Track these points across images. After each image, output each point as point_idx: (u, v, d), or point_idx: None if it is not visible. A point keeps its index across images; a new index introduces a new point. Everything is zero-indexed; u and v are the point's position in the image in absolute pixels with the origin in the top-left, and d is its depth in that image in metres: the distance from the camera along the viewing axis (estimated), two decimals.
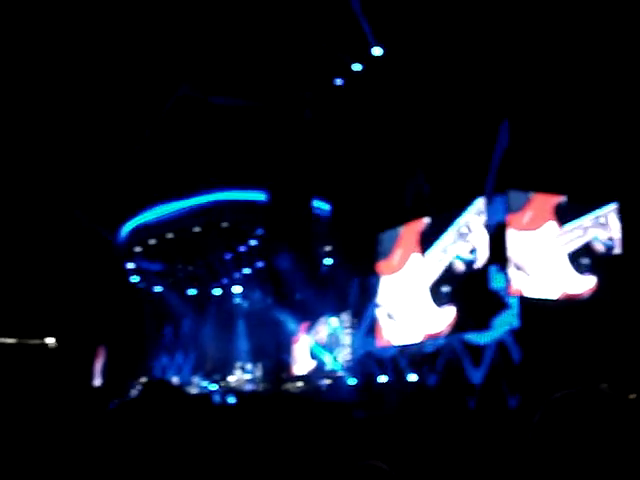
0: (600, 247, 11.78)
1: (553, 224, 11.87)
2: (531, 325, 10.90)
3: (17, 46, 13.03)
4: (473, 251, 12.20)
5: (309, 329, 17.18)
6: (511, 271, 11.55)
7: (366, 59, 13.99)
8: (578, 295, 11.46)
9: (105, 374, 18.57)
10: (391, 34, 13.33)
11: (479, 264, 12.05)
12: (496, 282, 11.72)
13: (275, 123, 15.87)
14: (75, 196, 16.86)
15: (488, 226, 12.01)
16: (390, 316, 13.80)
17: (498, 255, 11.70)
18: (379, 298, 14.14)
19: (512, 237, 11.73)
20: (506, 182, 12.00)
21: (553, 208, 11.88)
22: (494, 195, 12.16)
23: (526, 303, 11.24)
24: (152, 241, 19.32)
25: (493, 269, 11.84)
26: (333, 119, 15.19)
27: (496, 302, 11.58)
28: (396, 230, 14.09)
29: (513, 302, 11.42)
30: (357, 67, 14.09)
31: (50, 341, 17.96)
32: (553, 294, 11.62)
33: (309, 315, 16.68)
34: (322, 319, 16.48)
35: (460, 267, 12.38)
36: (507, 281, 11.53)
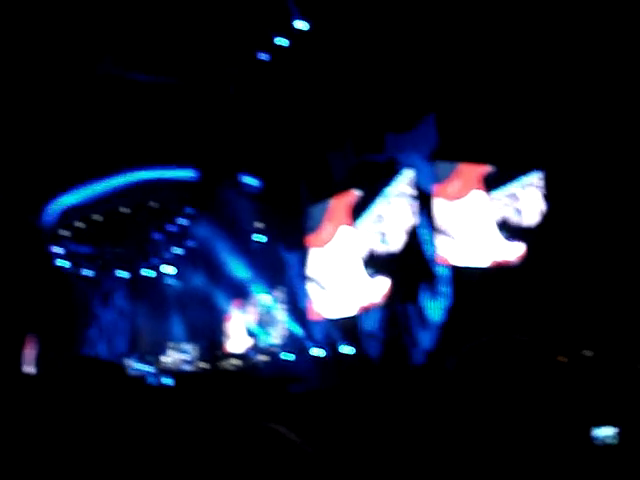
0: (527, 214, 12.07)
1: (480, 193, 12.10)
2: (461, 292, 11.14)
3: None
4: (404, 221, 12.36)
5: (242, 306, 17.17)
6: (439, 240, 11.76)
7: (291, 33, 13.92)
8: (507, 262, 11.73)
9: (38, 362, 18.20)
10: (316, 7, 13.29)
11: (409, 235, 12.22)
12: (428, 252, 11.92)
13: (199, 99, 15.66)
14: None
15: (417, 196, 12.19)
16: (322, 289, 13.88)
17: (429, 225, 11.90)
18: (310, 272, 14.21)
19: (439, 207, 11.92)
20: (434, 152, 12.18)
21: (480, 177, 12.10)
22: (422, 165, 12.32)
23: (456, 271, 11.47)
24: (79, 223, 18.96)
25: (424, 239, 12.04)
26: (259, 93, 15.09)
27: (428, 272, 11.78)
28: (325, 203, 14.14)
29: (444, 271, 11.64)
30: (282, 41, 14.01)
31: None
32: (482, 262, 11.88)
33: (242, 293, 16.66)
34: (255, 296, 16.48)
35: (391, 238, 12.53)
36: (436, 251, 11.75)
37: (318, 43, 13.45)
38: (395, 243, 12.42)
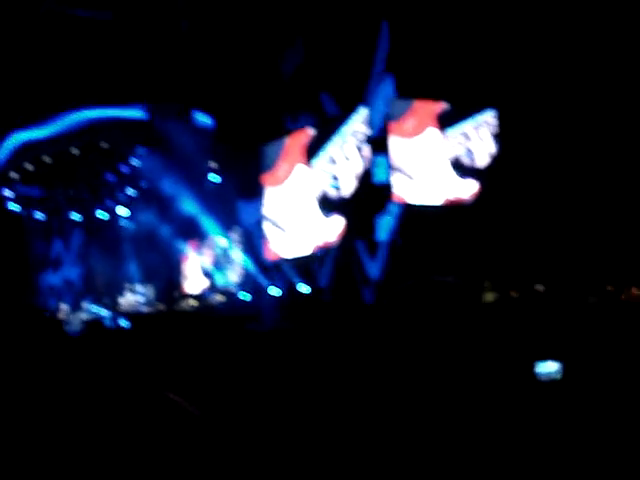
0: (480, 152, 12.17)
1: (435, 130, 12.13)
2: (413, 231, 11.26)
3: None
4: (358, 160, 12.36)
5: (198, 247, 17.13)
6: (394, 178, 11.79)
7: None
8: (461, 200, 11.85)
9: None
10: None
11: (362, 175, 12.23)
12: (382, 190, 11.97)
13: (150, 36, 15.30)
14: None
15: (371, 136, 12.16)
16: (278, 229, 13.90)
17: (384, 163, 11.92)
18: (265, 211, 14.19)
19: (394, 144, 11.93)
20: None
21: (435, 115, 12.11)
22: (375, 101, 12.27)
23: (409, 209, 11.56)
24: (29, 166, 18.56)
25: (378, 176, 12.07)
26: (210, 28, 14.78)
27: (380, 209, 11.85)
28: (280, 141, 14.05)
29: (395, 209, 11.72)
30: None
31: None
32: (436, 200, 11.99)
33: (197, 233, 16.60)
34: (211, 236, 16.44)
35: (344, 178, 12.54)
36: (390, 188, 11.79)
37: None
38: (348, 183, 12.44)
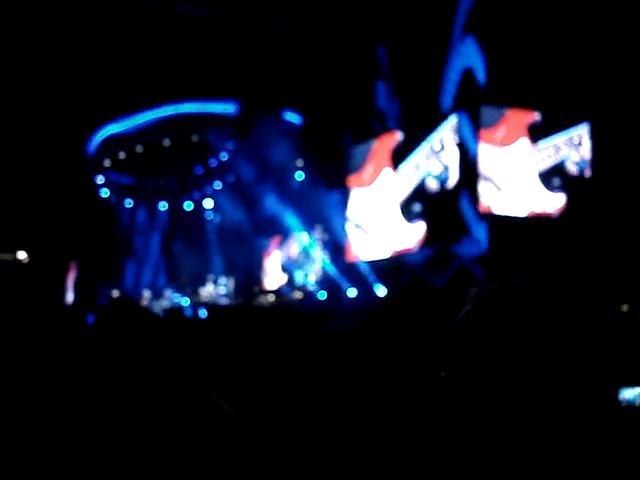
0: (572, 167, 11.87)
1: (526, 141, 11.90)
2: (499, 242, 11.05)
3: None
4: (446, 169, 12.23)
5: (280, 244, 17.27)
6: (482, 187, 11.61)
7: None
8: (547, 214, 11.60)
9: (77, 289, 18.61)
10: None
11: (451, 182, 12.10)
12: (467, 200, 11.80)
13: (244, 33, 15.52)
14: (41, 109, 16.50)
15: (460, 144, 11.98)
16: (360, 230, 13.89)
17: (470, 173, 11.74)
18: (349, 212, 14.20)
19: (484, 153, 11.75)
20: (480, 97, 11.96)
21: (527, 125, 11.87)
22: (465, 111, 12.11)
23: (495, 220, 11.35)
24: (121, 154, 19.11)
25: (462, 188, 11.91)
26: (305, 29, 14.89)
27: (465, 220, 11.68)
28: (368, 144, 14.04)
29: (482, 220, 11.52)
30: None
31: (22, 256, 17.88)
32: (523, 212, 11.75)
33: (280, 230, 16.73)
34: (293, 234, 16.55)
35: (432, 184, 12.44)
36: (478, 197, 11.60)
37: None
38: (433, 189, 12.33)
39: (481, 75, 11.82)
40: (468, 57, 11.94)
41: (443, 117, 12.28)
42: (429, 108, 12.55)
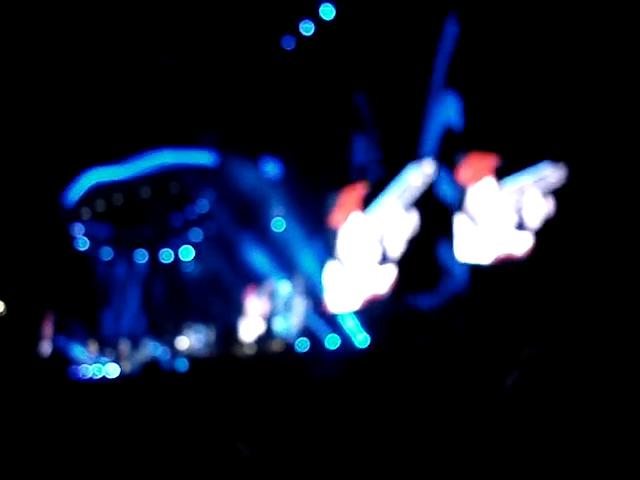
0: (535, 208, 11.94)
1: (492, 180, 11.96)
2: (476, 288, 11.06)
3: None
4: (418, 211, 12.29)
5: (259, 292, 17.21)
6: (457, 228, 11.64)
7: (316, 20, 13.87)
8: (514, 256, 11.59)
9: (54, 340, 18.38)
10: None
11: (421, 225, 12.15)
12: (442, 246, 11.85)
13: (222, 83, 15.68)
14: (19, 157, 16.49)
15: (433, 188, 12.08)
16: (336, 278, 13.86)
17: (443, 217, 11.81)
18: (326, 260, 14.19)
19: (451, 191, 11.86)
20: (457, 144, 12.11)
21: (491, 166, 11.95)
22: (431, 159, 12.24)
23: (473, 267, 11.38)
24: (100, 205, 19.09)
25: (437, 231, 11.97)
26: (282, 79, 15.07)
27: (440, 265, 11.70)
28: (339, 190, 14.11)
29: (459, 266, 11.54)
30: (307, 30, 13.97)
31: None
32: (492, 255, 11.75)
33: (260, 278, 16.70)
34: (271, 283, 16.51)
35: (404, 227, 12.48)
36: (453, 241, 11.64)
37: (342, 31, 13.40)
38: (401, 236, 12.37)
39: (459, 124, 11.99)
40: (447, 108, 12.13)
41: (408, 164, 12.39)
42: (407, 156, 12.68)
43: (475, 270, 11.31)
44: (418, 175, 12.30)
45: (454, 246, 11.58)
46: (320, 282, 14.45)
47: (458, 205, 11.70)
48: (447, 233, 11.72)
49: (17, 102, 15.16)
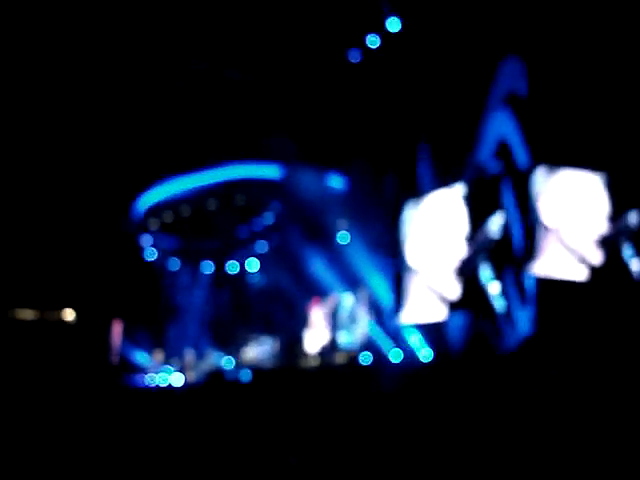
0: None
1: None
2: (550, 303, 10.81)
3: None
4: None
5: (324, 305, 17.22)
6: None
7: (383, 33, 13.87)
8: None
9: (121, 349, 18.73)
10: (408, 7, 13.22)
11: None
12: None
13: (289, 96, 15.80)
14: (89, 169, 16.90)
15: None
16: (407, 291, 13.73)
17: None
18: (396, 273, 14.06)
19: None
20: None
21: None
22: None
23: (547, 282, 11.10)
24: (168, 216, 19.42)
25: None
26: (348, 94, 15.11)
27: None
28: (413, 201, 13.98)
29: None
30: (373, 43, 13.97)
31: (69, 315, 18.10)
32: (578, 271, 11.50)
33: (325, 291, 16.70)
34: (337, 295, 16.49)
35: (475, 241, 12.31)
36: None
37: (409, 44, 13.37)
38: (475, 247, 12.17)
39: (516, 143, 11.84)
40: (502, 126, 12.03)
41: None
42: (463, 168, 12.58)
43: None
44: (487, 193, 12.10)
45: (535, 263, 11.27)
46: (384, 295, 14.37)
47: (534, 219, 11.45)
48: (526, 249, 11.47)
49: (91, 114, 15.56)
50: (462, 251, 12.45)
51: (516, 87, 11.77)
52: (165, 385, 16.94)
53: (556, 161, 11.42)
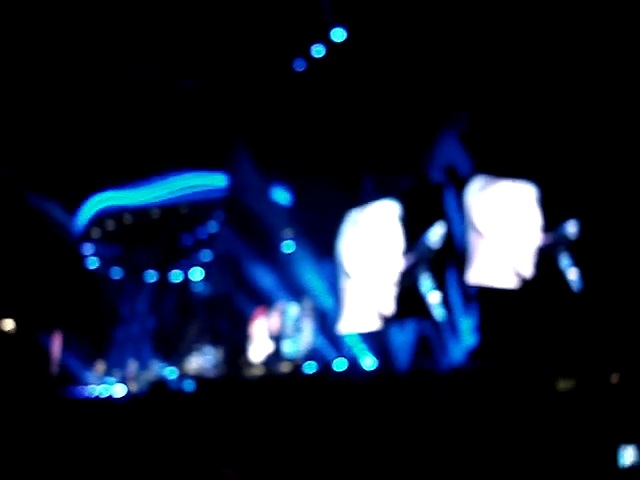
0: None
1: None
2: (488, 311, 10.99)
3: None
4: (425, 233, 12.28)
5: (267, 313, 17.18)
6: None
7: (328, 42, 13.94)
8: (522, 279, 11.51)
9: (61, 360, 18.38)
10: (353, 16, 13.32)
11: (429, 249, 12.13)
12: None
13: (234, 106, 15.76)
14: (29, 179, 16.61)
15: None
16: (348, 300, 13.79)
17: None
18: (338, 281, 14.13)
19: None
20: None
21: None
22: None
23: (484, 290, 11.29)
24: (110, 225, 19.17)
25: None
26: (295, 103, 15.14)
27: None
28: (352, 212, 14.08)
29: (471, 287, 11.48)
30: (319, 52, 14.04)
31: (9, 325, 17.70)
32: (509, 278, 11.71)
33: (269, 300, 16.67)
34: (280, 304, 16.48)
35: (413, 250, 12.45)
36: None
37: (354, 53, 13.46)
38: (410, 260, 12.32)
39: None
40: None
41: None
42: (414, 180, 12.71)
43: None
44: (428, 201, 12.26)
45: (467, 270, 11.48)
46: (328, 304, 14.41)
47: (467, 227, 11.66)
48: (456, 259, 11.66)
49: (33, 123, 15.29)
50: (400, 262, 12.59)
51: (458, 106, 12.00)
52: (105, 396, 16.69)
53: (493, 172, 11.67)
